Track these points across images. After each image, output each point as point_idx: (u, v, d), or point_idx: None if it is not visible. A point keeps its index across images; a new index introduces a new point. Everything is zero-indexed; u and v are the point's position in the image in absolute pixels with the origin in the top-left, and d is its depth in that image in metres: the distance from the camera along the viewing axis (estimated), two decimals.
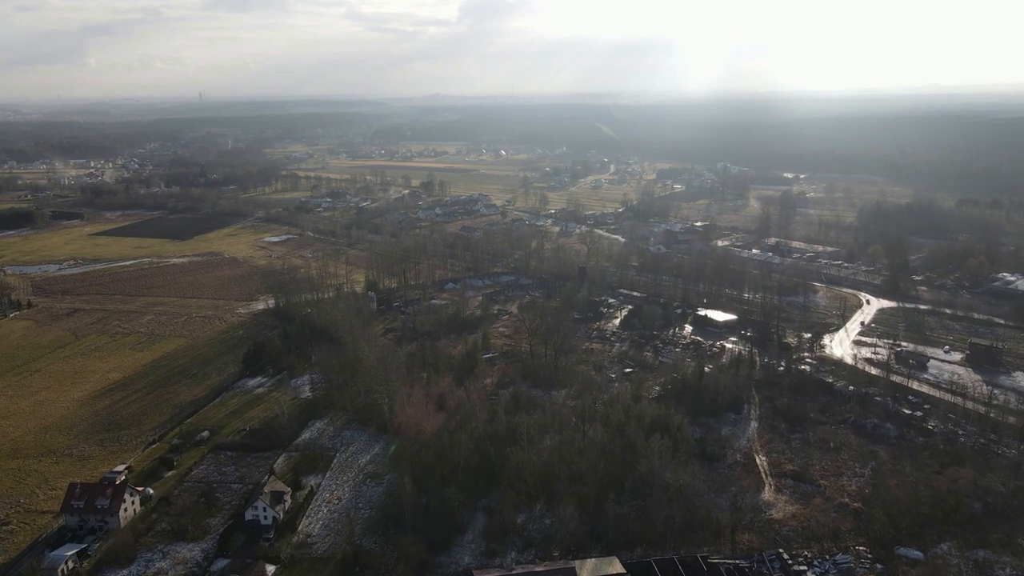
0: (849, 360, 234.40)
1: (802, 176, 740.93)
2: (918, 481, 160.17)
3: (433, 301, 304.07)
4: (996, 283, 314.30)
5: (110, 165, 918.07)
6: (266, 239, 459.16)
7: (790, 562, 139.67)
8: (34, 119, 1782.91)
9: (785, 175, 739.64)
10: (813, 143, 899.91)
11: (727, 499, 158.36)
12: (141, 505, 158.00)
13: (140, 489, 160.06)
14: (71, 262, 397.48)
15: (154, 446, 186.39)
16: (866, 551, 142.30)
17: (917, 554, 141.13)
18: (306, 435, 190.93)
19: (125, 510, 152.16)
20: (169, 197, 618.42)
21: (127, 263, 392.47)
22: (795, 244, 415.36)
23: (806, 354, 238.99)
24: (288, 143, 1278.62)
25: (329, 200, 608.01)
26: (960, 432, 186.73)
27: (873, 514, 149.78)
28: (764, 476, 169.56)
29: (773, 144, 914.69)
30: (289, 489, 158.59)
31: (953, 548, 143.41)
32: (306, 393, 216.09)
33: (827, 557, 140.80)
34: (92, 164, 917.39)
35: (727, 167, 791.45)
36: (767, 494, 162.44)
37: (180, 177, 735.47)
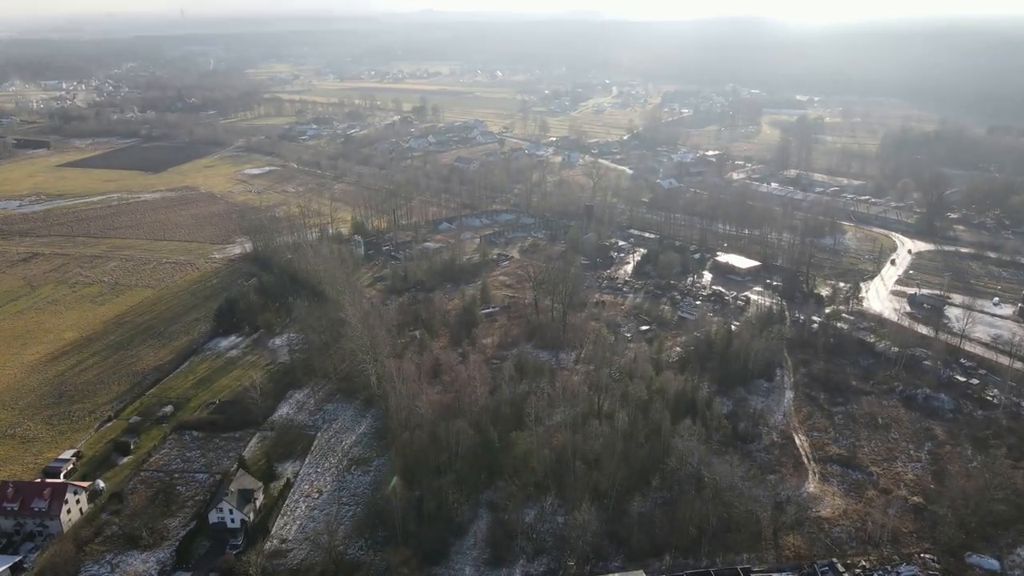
0: (890, 315, 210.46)
1: (816, 99, 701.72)
2: (986, 468, 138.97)
3: (426, 244, 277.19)
4: None
5: (83, 87, 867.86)
6: (246, 171, 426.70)
7: (845, 574, 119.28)
8: (5, 36, 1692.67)
9: (798, 98, 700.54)
10: (825, 62, 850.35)
11: (766, 490, 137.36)
12: (90, 502, 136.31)
13: (87, 485, 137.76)
14: (33, 198, 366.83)
15: (109, 424, 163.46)
16: (933, 559, 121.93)
17: (992, 563, 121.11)
18: (283, 410, 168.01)
19: (68, 511, 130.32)
20: (144, 123, 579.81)
21: (94, 199, 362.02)
22: (817, 177, 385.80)
23: (842, 307, 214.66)
24: (272, 63, 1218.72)
25: (315, 127, 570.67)
26: None
27: (939, 513, 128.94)
28: (806, 461, 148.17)
29: (783, 64, 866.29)
30: (260, 484, 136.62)
31: None
32: (284, 357, 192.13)
33: (889, 568, 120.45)
34: (64, 86, 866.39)
35: (736, 89, 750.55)
36: (812, 485, 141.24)
37: (156, 101, 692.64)
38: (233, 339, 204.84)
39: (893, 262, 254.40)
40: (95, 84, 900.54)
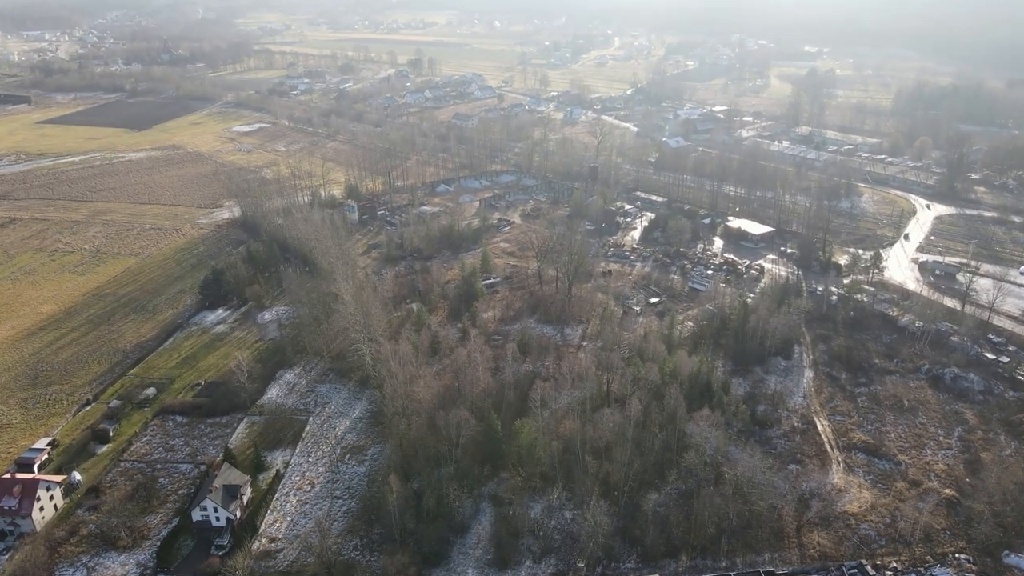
0: (912, 285, 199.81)
1: (826, 50, 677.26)
2: (1023, 458, 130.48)
3: (423, 208, 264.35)
4: None
5: (66, 38, 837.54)
6: (235, 128, 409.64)
7: None
8: None
9: (807, 49, 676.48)
10: (833, 10, 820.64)
11: (787, 482, 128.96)
12: (65, 496, 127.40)
13: (62, 479, 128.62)
14: (12, 157, 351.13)
15: (88, 409, 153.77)
16: (969, 560, 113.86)
17: None
18: (272, 392, 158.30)
19: (41, 508, 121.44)
20: (128, 77, 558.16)
21: (76, 159, 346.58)
22: (830, 134, 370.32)
23: (862, 278, 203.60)
24: (263, 12, 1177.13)
25: (307, 81, 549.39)
26: None
27: (974, 509, 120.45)
28: (830, 449, 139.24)
29: (789, 12, 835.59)
30: (247, 478, 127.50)
31: None
32: (273, 332, 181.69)
33: (922, 570, 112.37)
34: (46, 37, 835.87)
35: (743, 40, 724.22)
36: (836, 475, 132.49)
37: (142, 53, 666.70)
38: (220, 313, 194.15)
39: (907, 237, 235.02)
40: (79, 35, 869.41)
